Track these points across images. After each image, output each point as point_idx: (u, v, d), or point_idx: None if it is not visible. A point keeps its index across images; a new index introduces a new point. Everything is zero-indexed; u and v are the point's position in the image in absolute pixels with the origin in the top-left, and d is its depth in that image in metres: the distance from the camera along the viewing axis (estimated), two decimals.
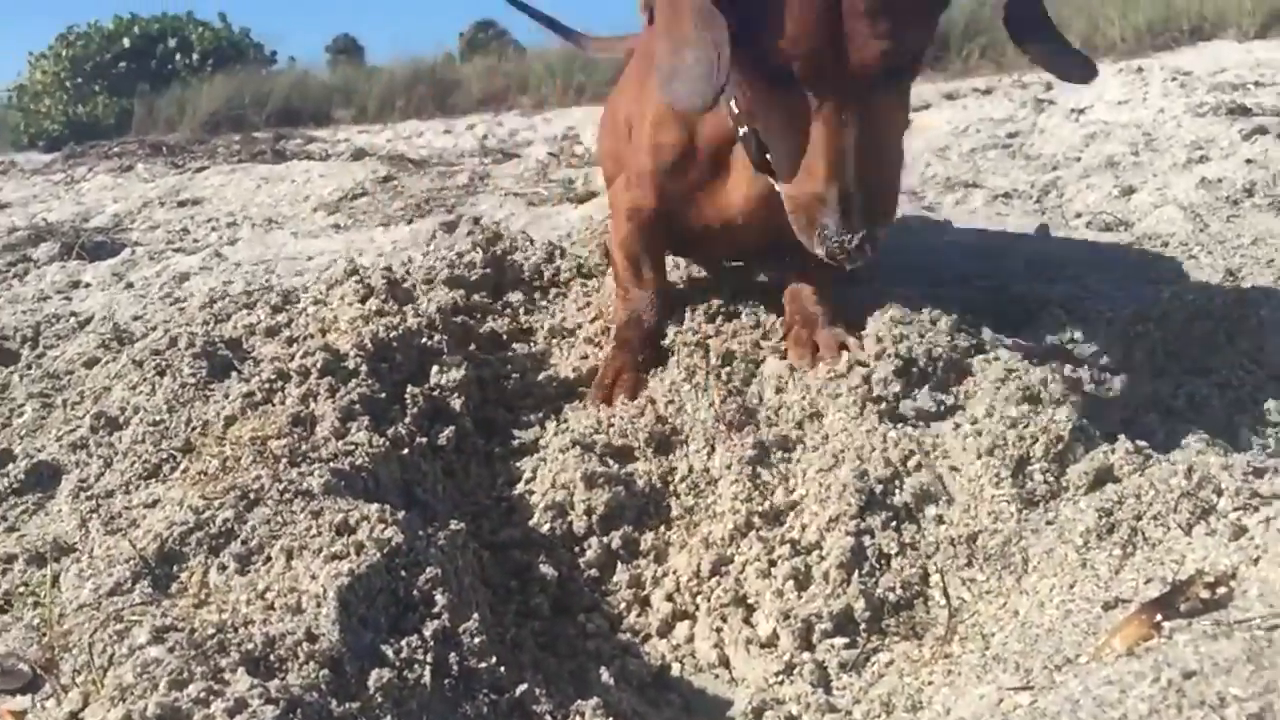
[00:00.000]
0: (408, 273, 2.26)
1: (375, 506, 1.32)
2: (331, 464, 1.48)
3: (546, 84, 10.43)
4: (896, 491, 1.44)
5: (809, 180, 1.39)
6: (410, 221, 3.46)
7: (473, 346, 1.96)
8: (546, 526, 1.55)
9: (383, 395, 1.71)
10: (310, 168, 4.77)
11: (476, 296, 2.18)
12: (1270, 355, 1.61)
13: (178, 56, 11.80)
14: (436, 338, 1.88)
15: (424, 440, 1.69)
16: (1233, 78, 5.00)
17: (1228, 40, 7.73)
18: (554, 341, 2.07)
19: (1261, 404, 1.55)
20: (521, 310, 2.19)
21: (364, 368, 1.74)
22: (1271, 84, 4.70)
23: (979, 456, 1.42)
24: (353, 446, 1.55)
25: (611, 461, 1.64)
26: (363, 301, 1.98)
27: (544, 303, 2.22)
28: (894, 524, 1.41)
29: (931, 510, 1.42)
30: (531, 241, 2.40)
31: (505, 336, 2.07)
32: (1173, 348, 1.69)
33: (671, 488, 1.59)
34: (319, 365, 1.73)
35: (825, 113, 1.37)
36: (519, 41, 16.06)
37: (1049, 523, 1.31)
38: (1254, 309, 1.72)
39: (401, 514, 1.32)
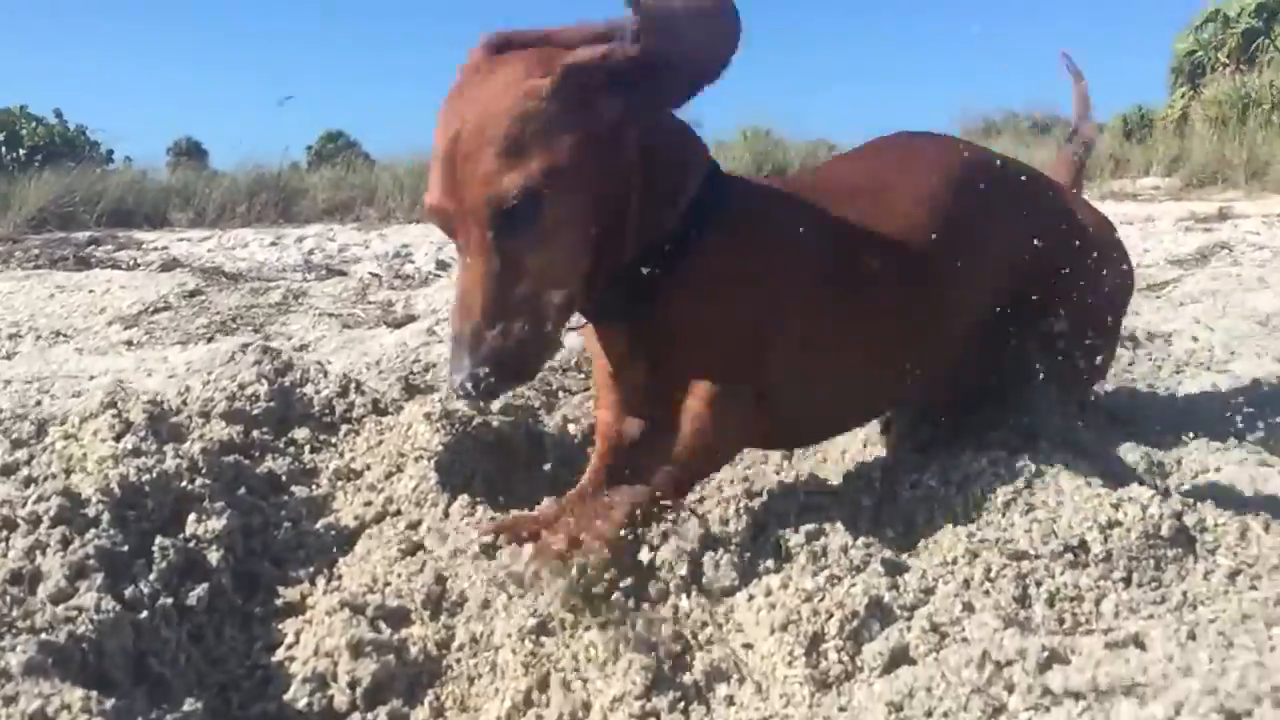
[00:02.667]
0: (184, 403, 2.08)
1: (81, 693, 1.13)
2: (44, 635, 1.28)
3: (394, 197, 10.37)
4: (687, 669, 1.33)
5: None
6: (210, 340, 3.26)
7: (243, 490, 1.78)
8: (304, 700, 1.40)
9: (125, 548, 1.52)
10: (113, 277, 4.49)
11: (257, 432, 2.00)
12: (1066, 527, 1.58)
13: (2, 150, 11.24)
14: (199, 481, 1.70)
15: (169, 601, 1.50)
16: None
17: None
18: (339, 484, 1.92)
19: (1056, 576, 1.51)
20: (307, 448, 2.02)
21: (106, 516, 1.55)
22: None
23: (772, 632, 1.33)
24: (76, 612, 1.35)
25: (384, 625, 1.48)
26: (118, 438, 1.78)
27: (333, 441, 2.06)
28: (682, 704, 1.30)
29: (723, 690, 1.31)
30: (325, 373, 2.25)
31: (284, 478, 1.90)
32: (972, 514, 1.65)
33: (449, 656, 1.45)
34: (53, 512, 1.53)
35: (460, 262, 1.43)
36: (368, 153, 15.96)
37: (841, 709, 1.22)
38: (1053, 474, 1.71)
39: (110, 703, 1.13)
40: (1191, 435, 2.09)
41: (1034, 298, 2.00)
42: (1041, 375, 1.95)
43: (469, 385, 1.37)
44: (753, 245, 1.66)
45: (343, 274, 5.02)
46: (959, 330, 1.96)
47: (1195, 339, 3.16)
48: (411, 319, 3.60)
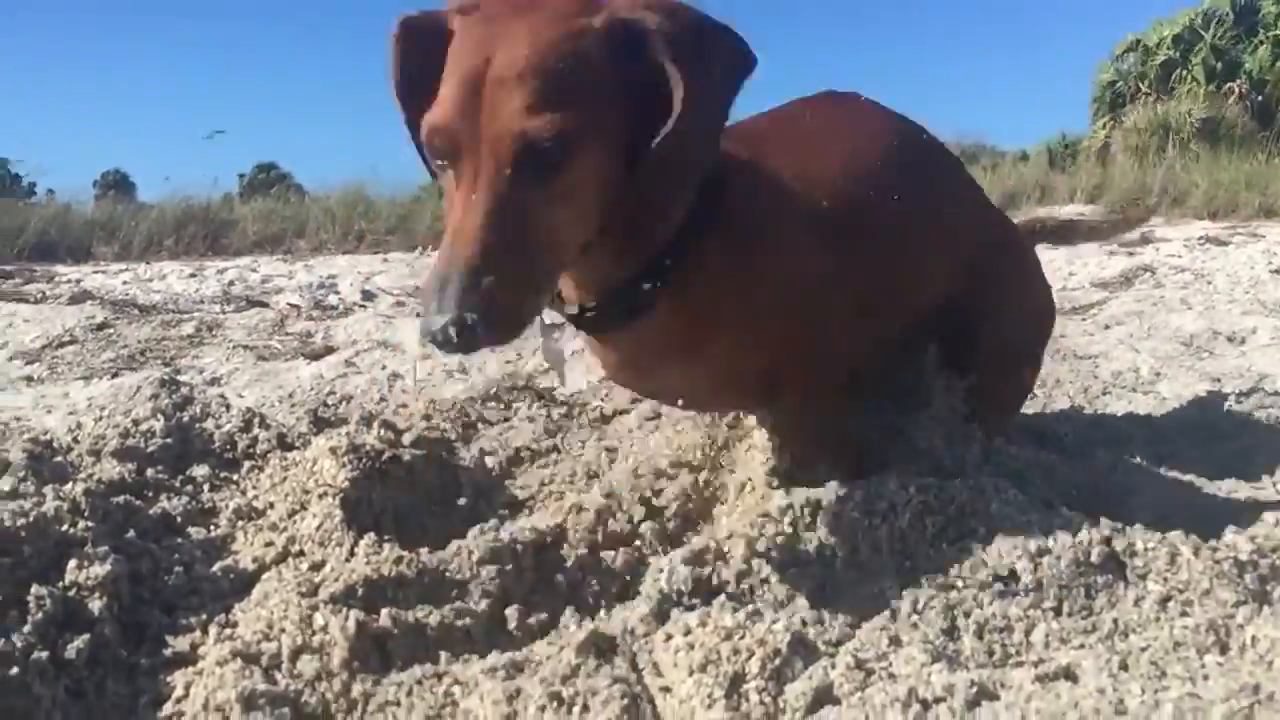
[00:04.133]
0: (75, 440, 1.96)
1: None
2: None
3: (325, 228, 10.21)
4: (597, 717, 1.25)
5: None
6: (116, 375, 3.12)
7: (131, 533, 1.67)
8: None
9: None
10: (17, 310, 4.31)
11: (151, 471, 1.89)
12: (995, 556, 1.53)
13: None
14: (81, 524, 1.59)
15: (45, 654, 1.38)
16: None
17: None
18: (239, 524, 1.81)
19: (985, 606, 1.46)
20: (205, 487, 1.91)
21: None
22: None
23: (691, 673, 1.26)
24: None
25: (280, 676, 1.39)
26: None
27: (234, 478, 1.96)
28: None
29: None
30: (228, 407, 2.14)
31: (179, 519, 1.79)
32: (898, 545, 1.60)
33: (349, 707, 1.35)
34: None
35: (459, 193, 1.27)
36: (301, 185, 15.77)
37: None
38: (981, 501, 1.66)
39: None
40: (1120, 457, 2.06)
41: (969, 298, 1.99)
42: (968, 389, 1.92)
43: (452, 330, 1.19)
44: (754, 250, 1.60)
45: (263, 305, 4.87)
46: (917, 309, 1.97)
47: (1122, 360, 3.17)
48: (330, 350, 3.49)
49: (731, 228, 1.55)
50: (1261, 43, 19.36)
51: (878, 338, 1.88)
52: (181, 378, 2.71)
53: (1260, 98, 19.06)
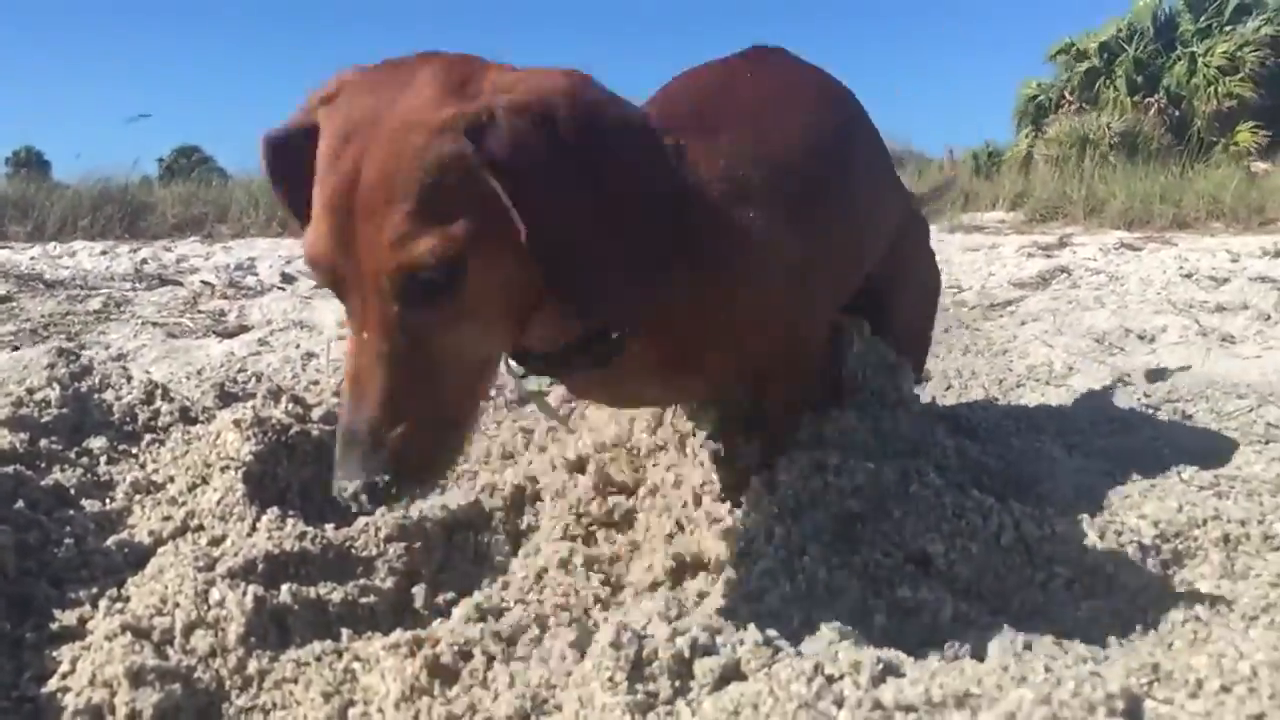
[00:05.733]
0: None
1: None
2: None
3: (248, 213, 10.01)
4: (495, 697, 1.22)
5: None
6: (16, 348, 2.99)
7: (20, 504, 1.60)
8: None
9: None
10: None
11: (45, 441, 1.82)
12: (909, 538, 1.53)
13: None
14: None
15: None
16: None
17: None
18: (136, 498, 1.75)
19: (896, 588, 1.46)
20: (102, 459, 1.84)
21: None
22: None
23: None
24: None
25: (171, 651, 1.34)
26: None
27: (133, 451, 1.89)
28: None
29: None
30: (129, 378, 2.07)
31: (73, 491, 1.72)
32: (826, 527, 1.60)
33: (242, 684, 1.31)
34: None
35: (351, 333, 1.14)
36: (223, 169, 15.43)
37: None
38: (904, 487, 1.67)
39: None
40: (1032, 445, 2.09)
41: (885, 270, 1.98)
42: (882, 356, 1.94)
43: (364, 497, 1.09)
44: (724, 270, 1.46)
45: (177, 284, 4.73)
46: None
47: (1036, 354, 3.22)
48: (245, 329, 3.40)
49: (698, 252, 1.40)
50: (1179, 58, 19.88)
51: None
52: (85, 351, 2.62)
53: (1178, 112, 19.59)
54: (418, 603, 1.54)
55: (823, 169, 1.72)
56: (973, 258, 6.56)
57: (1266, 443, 2.17)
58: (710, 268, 1.43)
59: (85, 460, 1.83)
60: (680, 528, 1.66)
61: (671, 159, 1.29)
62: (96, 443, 1.88)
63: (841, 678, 1.11)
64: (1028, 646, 1.36)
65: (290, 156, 1.22)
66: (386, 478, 1.09)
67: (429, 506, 1.70)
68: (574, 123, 1.12)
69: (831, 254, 1.71)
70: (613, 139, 1.17)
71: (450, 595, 1.57)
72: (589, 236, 1.15)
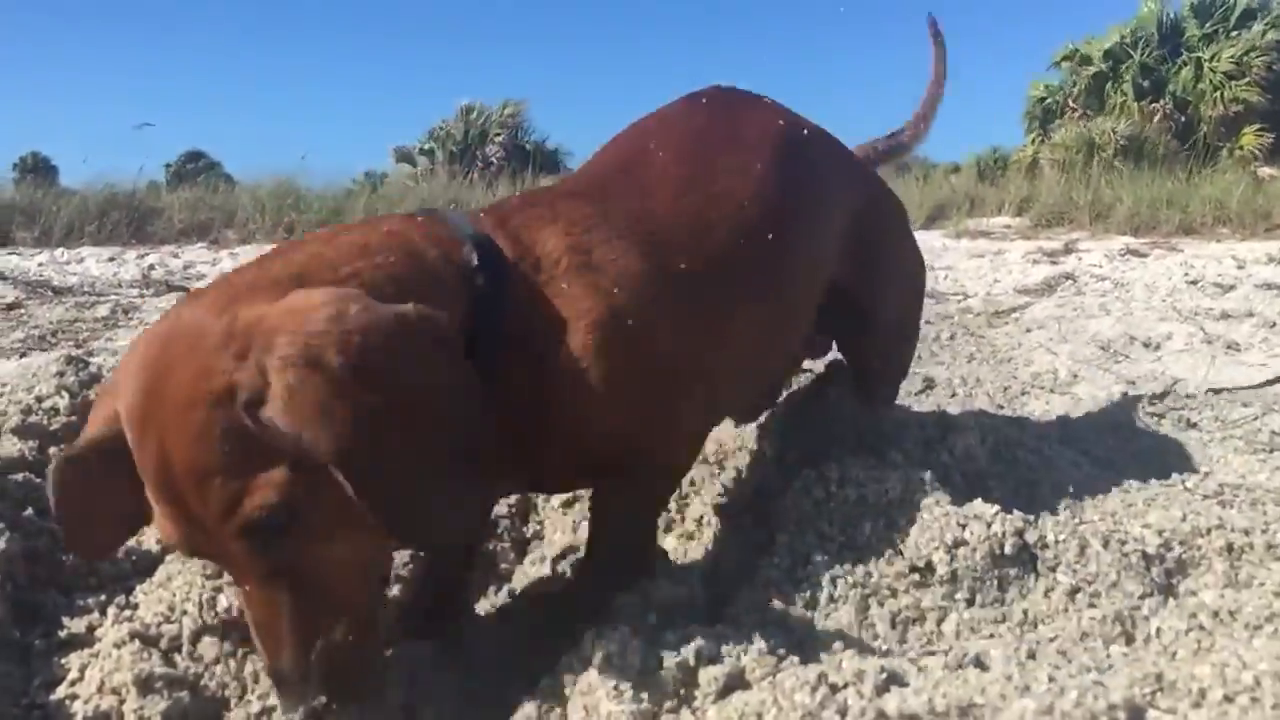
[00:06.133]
0: None
1: None
2: None
3: (255, 219, 10.03)
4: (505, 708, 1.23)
5: None
6: (24, 355, 3.01)
7: (29, 511, 1.61)
8: None
9: None
10: None
11: (54, 449, 1.83)
12: (912, 547, 1.54)
13: None
14: None
15: None
16: None
17: None
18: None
19: (899, 597, 1.47)
20: None
21: None
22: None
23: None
24: None
25: (179, 659, 1.35)
26: None
27: None
28: None
29: None
30: None
31: None
32: (833, 534, 1.61)
33: (249, 691, 1.32)
34: None
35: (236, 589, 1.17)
36: (230, 174, 15.47)
37: None
38: (909, 496, 1.67)
39: None
40: (1035, 453, 2.09)
41: (856, 278, 1.88)
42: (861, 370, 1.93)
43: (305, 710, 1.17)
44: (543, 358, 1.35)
45: (184, 290, 4.74)
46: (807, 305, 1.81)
47: (1041, 362, 3.22)
48: None
49: (522, 347, 1.33)
50: (1185, 64, 19.89)
51: (767, 369, 1.80)
52: (94, 359, 2.62)
53: (1184, 117, 19.59)
54: None
55: (725, 229, 1.59)
56: (978, 264, 6.57)
57: (1271, 451, 2.17)
58: (534, 361, 1.34)
59: None
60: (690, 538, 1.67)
61: (445, 337, 1.18)
62: None
63: (845, 687, 1.12)
64: (1031, 655, 1.37)
65: (97, 469, 1.17)
66: (323, 699, 1.16)
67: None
68: (345, 360, 1.05)
69: (733, 327, 1.58)
70: (386, 360, 1.09)
71: None
72: (396, 463, 1.08)
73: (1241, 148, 18.12)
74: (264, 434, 1.03)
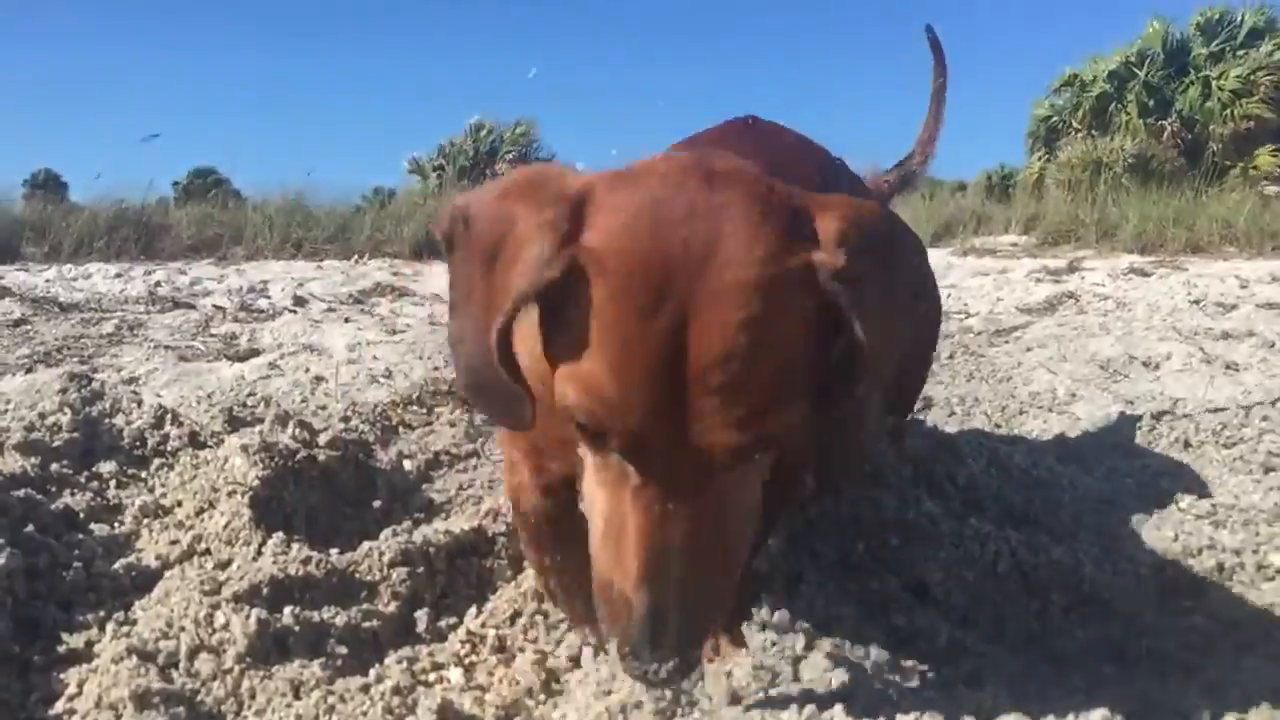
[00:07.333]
0: None
1: None
2: None
3: (263, 235, 10.09)
4: None
5: (619, 572, 1.01)
6: (30, 371, 3.03)
7: (30, 528, 1.62)
8: None
9: None
10: None
11: (56, 465, 1.84)
12: (907, 566, 1.55)
13: None
14: None
15: None
16: None
17: None
18: (145, 522, 1.77)
19: (893, 615, 1.48)
20: (112, 483, 1.87)
21: None
22: None
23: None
24: None
25: (176, 674, 1.36)
26: None
27: (142, 475, 1.91)
28: None
29: None
30: (139, 403, 2.10)
31: (82, 515, 1.74)
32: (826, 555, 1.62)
33: (238, 706, 1.33)
34: None
35: (646, 498, 1.00)
36: (239, 191, 15.54)
37: None
38: (903, 515, 1.69)
39: None
40: (1031, 473, 2.10)
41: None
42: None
43: (678, 676, 1.01)
44: None
45: (190, 307, 4.78)
46: None
47: (1040, 381, 3.23)
48: (255, 353, 3.43)
49: None
50: (1192, 83, 19.92)
51: None
52: (98, 375, 2.65)
53: (1190, 136, 19.61)
54: (420, 627, 1.56)
55: None
56: (981, 282, 6.58)
57: (1267, 471, 2.18)
58: None
59: (95, 484, 1.85)
60: None
61: None
62: (106, 467, 1.91)
63: (834, 705, 1.13)
64: (1024, 675, 1.38)
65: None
66: (697, 652, 1.04)
67: (433, 531, 1.72)
68: (895, 256, 1.05)
69: None
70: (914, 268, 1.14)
71: (453, 620, 1.59)
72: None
73: (1257, 168, 18.12)
74: (820, 338, 0.98)
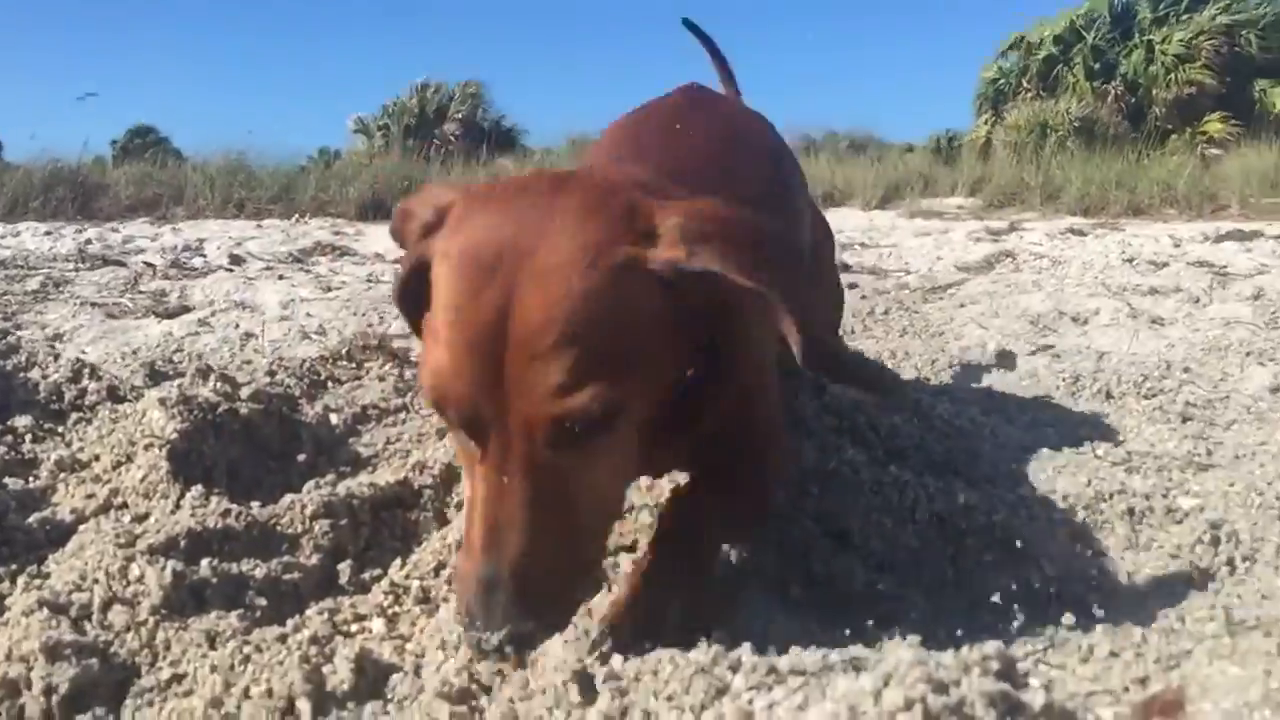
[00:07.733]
0: None
1: None
2: None
3: (204, 195, 9.92)
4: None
5: (465, 544, 1.08)
6: None
7: None
8: None
9: None
10: None
11: None
12: (827, 514, 1.57)
13: None
14: None
15: None
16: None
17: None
18: (60, 476, 1.74)
19: (812, 561, 1.50)
20: (27, 437, 1.83)
21: None
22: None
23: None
24: None
25: (89, 627, 1.34)
26: None
27: (58, 429, 1.88)
28: None
29: None
30: (56, 357, 2.06)
31: None
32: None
33: (151, 658, 1.32)
34: None
35: (483, 472, 1.06)
36: (179, 150, 15.26)
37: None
38: (824, 464, 1.70)
39: None
40: (955, 423, 2.13)
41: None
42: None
43: (509, 648, 1.04)
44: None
45: (120, 264, 4.68)
46: None
47: (970, 336, 3.27)
48: (186, 310, 3.37)
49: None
50: (1136, 46, 20.11)
51: None
52: (18, 331, 2.60)
53: (1134, 99, 19.82)
54: (342, 579, 1.55)
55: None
56: (923, 242, 6.63)
57: (1184, 420, 2.23)
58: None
59: (9, 439, 1.82)
60: None
61: None
62: (21, 421, 1.87)
63: (742, 644, 1.14)
64: (935, 616, 1.41)
65: (411, 293, 1.18)
66: (530, 625, 1.05)
67: (357, 484, 1.70)
68: (744, 235, 1.12)
69: None
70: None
71: (376, 572, 1.58)
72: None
73: (1208, 134, 18.33)
74: (650, 319, 1.07)
